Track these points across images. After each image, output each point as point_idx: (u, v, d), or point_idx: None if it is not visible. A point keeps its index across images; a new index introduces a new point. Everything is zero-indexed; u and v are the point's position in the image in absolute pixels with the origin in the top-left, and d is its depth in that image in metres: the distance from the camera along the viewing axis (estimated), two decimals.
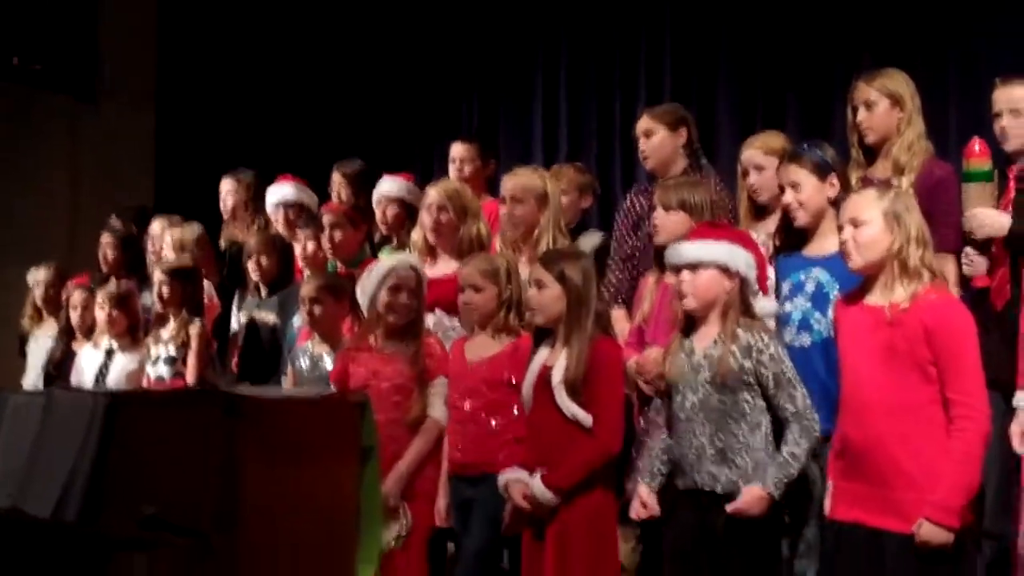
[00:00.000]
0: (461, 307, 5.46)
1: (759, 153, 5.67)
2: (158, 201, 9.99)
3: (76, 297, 7.68)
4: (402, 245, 6.64)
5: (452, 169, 7.11)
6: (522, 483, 5.07)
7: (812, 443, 4.63)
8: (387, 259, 5.83)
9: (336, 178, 7.59)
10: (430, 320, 5.85)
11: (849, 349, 4.54)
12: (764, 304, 4.95)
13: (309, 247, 6.81)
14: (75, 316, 7.66)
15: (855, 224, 4.47)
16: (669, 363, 4.84)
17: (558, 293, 5.02)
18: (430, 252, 6.16)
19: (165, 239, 7.59)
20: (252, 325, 6.92)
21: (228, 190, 7.85)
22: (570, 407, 4.97)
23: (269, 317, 6.83)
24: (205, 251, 7.58)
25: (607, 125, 9.02)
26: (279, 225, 7.44)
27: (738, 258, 4.74)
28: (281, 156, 9.43)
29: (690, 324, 4.87)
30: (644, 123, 6.12)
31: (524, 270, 5.51)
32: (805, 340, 5.03)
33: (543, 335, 5.16)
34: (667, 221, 5.36)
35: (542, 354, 5.11)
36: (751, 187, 5.67)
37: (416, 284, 5.56)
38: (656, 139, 6.05)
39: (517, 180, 5.94)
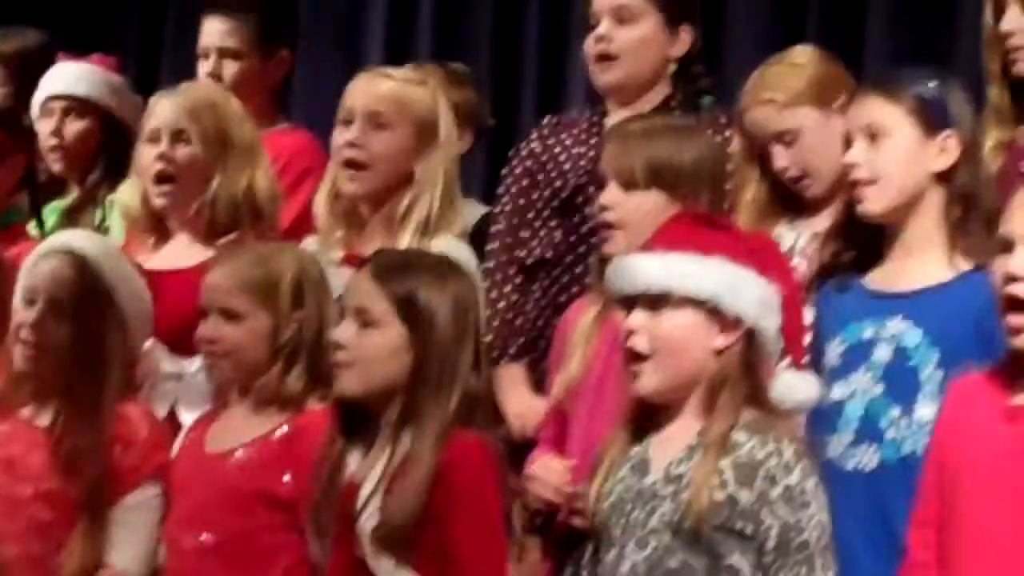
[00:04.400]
0: (200, 345, 3.86)
1: (779, 95, 3.90)
2: None
3: None
4: (89, 199, 4.95)
5: (204, 65, 5.15)
6: None
7: None
8: (48, 237, 4.27)
9: None
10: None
11: (982, 491, 3.21)
12: (796, 384, 3.38)
13: None
14: None
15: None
16: (598, 486, 3.34)
17: (396, 340, 3.42)
18: (153, 224, 4.39)
19: None
20: None
21: None
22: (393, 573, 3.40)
23: None
24: None
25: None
26: None
27: (745, 290, 3.26)
28: None
29: (646, 414, 3.35)
30: None
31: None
32: (869, 460, 3.51)
33: (352, 416, 3.51)
34: (627, 206, 3.80)
35: (352, 460, 3.54)
36: (781, 167, 3.93)
37: (73, 293, 3.88)
38: (638, 30, 4.30)
39: (380, 87, 4.20)
